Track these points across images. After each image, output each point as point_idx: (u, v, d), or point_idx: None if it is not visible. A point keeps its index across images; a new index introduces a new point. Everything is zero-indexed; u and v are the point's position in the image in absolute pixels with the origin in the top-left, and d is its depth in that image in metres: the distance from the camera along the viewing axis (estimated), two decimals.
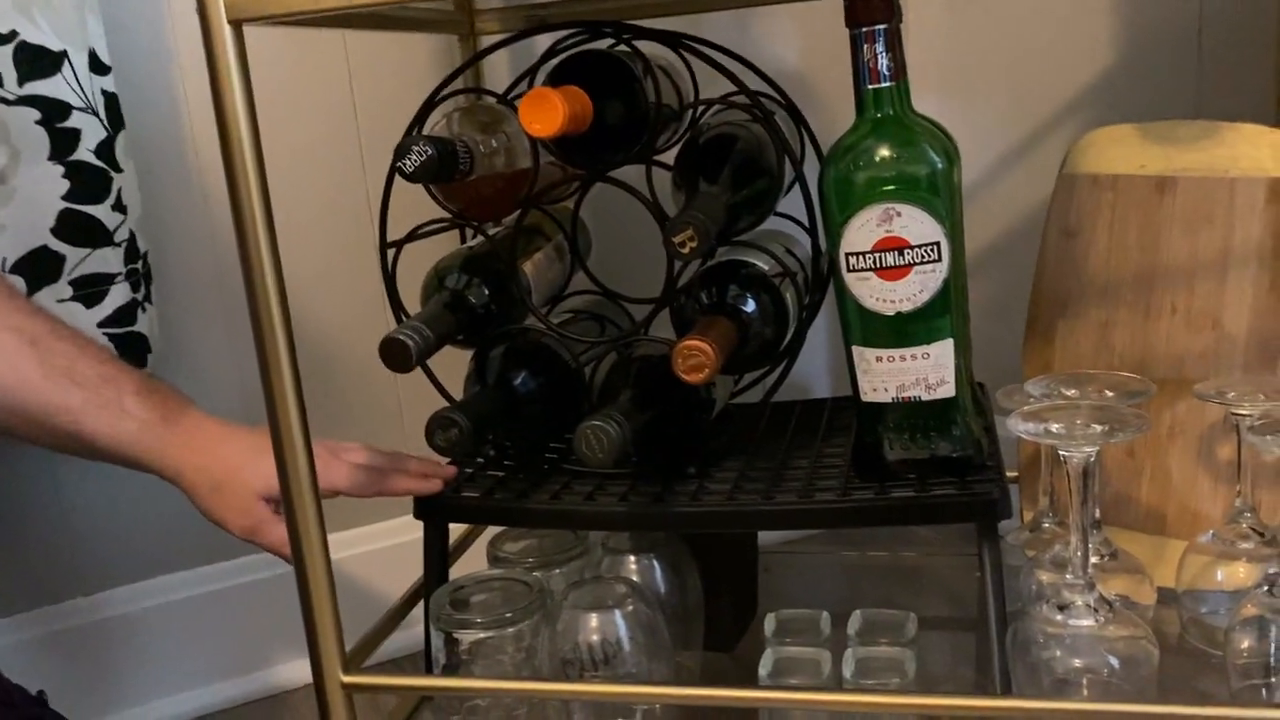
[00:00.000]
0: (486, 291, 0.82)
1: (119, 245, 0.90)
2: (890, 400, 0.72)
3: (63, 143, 0.86)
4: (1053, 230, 0.90)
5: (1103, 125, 0.91)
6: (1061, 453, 0.64)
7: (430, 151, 0.69)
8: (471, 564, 0.90)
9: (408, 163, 0.68)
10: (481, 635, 0.74)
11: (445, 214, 0.81)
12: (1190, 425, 0.86)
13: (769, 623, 0.75)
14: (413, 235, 0.82)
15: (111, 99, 0.90)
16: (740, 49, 0.87)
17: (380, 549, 1.02)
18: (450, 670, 0.75)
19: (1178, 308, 0.86)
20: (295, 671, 1.00)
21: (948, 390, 0.71)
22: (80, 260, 0.88)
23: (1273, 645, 0.71)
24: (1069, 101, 1.02)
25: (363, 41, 0.99)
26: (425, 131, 0.80)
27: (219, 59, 0.61)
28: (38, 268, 0.86)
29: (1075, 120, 1.02)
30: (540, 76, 0.79)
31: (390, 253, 0.82)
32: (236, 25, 0.61)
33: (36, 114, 0.85)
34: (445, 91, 0.80)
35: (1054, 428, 0.63)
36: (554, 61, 0.77)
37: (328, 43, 0.98)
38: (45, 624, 0.97)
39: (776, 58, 1.07)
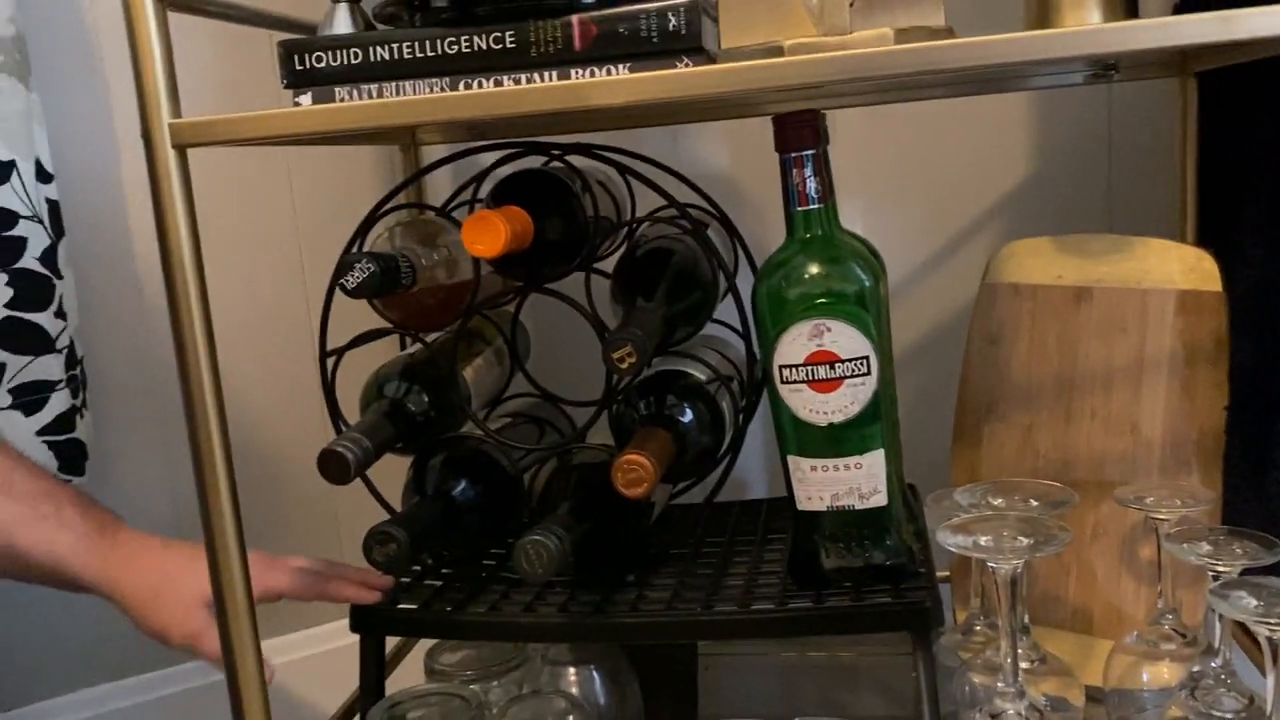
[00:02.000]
0: (426, 399, 0.83)
1: (60, 352, 0.90)
2: (825, 509, 0.74)
3: (8, 251, 0.86)
4: (976, 337, 0.93)
5: (1018, 234, 0.95)
6: (990, 565, 0.66)
7: (373, 268, 0.70)
8: (409, 670, 0.89)
9: (350, 279, 0.69)
10: None
11: (385, 322, 0.82)
12: (1112, 526, 0.89)
13: None
14: (353, 344, 0.82)
15: (54, 207, 0.90)
16: (672, 158, 0.90)
17: (315, 655, 1.01)
18: None
19: (1097, 412, 0.89)
20: None
21: (880, 499, 0.73)
22: (21, 368, 0.87)
23: None
24: (986, 211, 1.06)
25: (304, 151, 1.00)
26: (366, 243, 0.81)
27: (163, 183, 0.61)
28: None
29: (992, 228, 1.06)
30: (480, 188, 0.81)
31: (330, 362, 0.82)
32: (181, 150, 0.62)
33: None
34: (387, 207, 0.81)
35: (982, 541, 0.65)
36: (494, 179, 0.79)
37: (267, 152, 0.99)
38: None
39: (707, 166, 1.11)
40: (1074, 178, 1.02)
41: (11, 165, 0.86)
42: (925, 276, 1.10)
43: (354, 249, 0.80)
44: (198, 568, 0.73)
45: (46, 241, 0.88)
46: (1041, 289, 0.91)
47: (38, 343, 0.88)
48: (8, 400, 0.87)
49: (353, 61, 0.67)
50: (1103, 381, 0.89)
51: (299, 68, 0.67)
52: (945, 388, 0.96)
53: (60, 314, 0.90)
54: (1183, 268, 0.86)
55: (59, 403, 0.89)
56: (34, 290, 0.88)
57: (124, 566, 0.75)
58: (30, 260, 0.87)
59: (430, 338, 0.87)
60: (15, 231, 0.87)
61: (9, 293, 0.86)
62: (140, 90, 0.61)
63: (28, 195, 0.87)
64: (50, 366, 0.88)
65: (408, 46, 0.66)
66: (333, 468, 0.72)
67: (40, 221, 0.88)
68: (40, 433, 0.88)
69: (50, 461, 0.88)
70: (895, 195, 1.10)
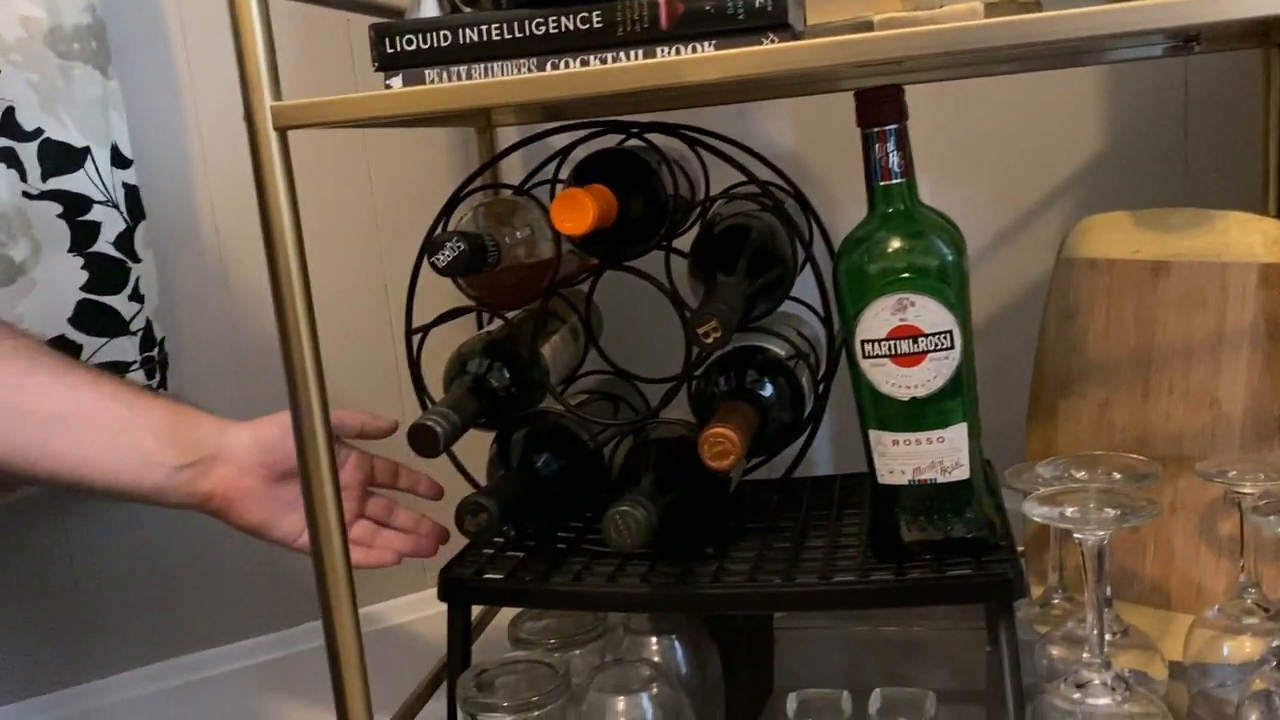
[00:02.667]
0: (507, 375, 0.84)
1: (135, 334, 0.92)
2: (906, 482, 0.75)
3: (83, 235, 0.89)
4: (1052, 312, 0.93)
5: (1093, 208, 0.95)
6: (1076, 536, 0.66)
7: (463, 246, 0.71)
8: (492, 639, 0.91)
9: (441, 258, 0.71)
10: (509, 719, 0.75)
11: (466, 299, 0.83)
12: (1191, 501, 0.89)
13: (790, 702, 0.77)
14: (438, 321, 0.84)
15: (132, 191, 0.92)
16: (740, 137, 0.90)
17: (402, 624, 1.03)
18: None
19: (1175, 387, 0.89)
20: None
21: (962, 473, 0.74)
22: (97, 349, 0.90)
23: None
24: (1059, 185, 1.06)
25: (381, 135, 1.02)
26: (451, 223, 0.83)
27: (265, 164, 0.63)
28: None
29: (1065, 203, 1.06)
30: (556, 169, 0.82)
31: (415, 338, 0.84)
32: (282, 132, 0.63)
33: (59, 208, 0.88)
34: (470, 188, 0.83)
35: (1069, 512, 0.66)
36: (572, 160, 0.80)
37: (347, 137, 1.01)
38: (58, 707, 0.96)
39: (774, 144, 1.11)
40: (1149, 151, 1.01)
41: (86, 151, 0.88)
42: (997, 251, 1.10)
43: (439, 229, 0.82)
44: None
45: (121, 226, 0.90)
46: (1119, 263, 0.91)
47: (113, 325, 0.91)
48: None
49: (442, 44, 0.68)
50: (1181, 356, 0.89)
51: (390, 50, 0.69)
52: (1018, 363, 0.96)
53: (136, 297, 0.92)
54: (1265, 240, 0.86)
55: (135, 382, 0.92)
56: (109, 274, 0.90)
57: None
58: (105, 244, 0.90)
59: (509, 315, 0.88)
60: (90, 216, 0.89)
61: (84, 276, 0.89)
62: (243, 74, 0.63)
63: (102, 181, 0.89)
64: (125, 348, 0.91)
65: (496, 28, 0.67)
66: (423, 441, 0.74)
67: (115, 206, 0.90)
68: None
69: None
70: (966, 171, 1.10)
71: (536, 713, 0.75)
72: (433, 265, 0.71)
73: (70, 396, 0.74)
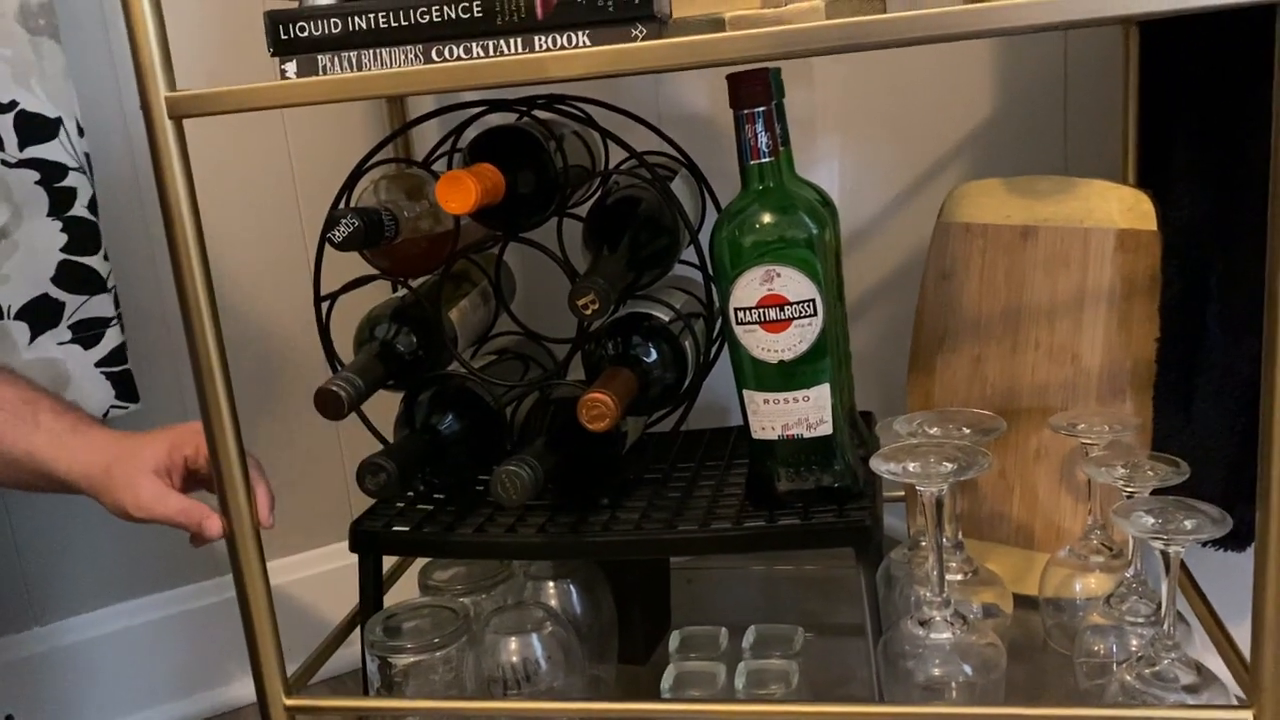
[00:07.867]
0: (414, 339, 0.89)
1: (110, 291, 0.97)
2: (776, 438, 0.81)
3: (60, 200, 0.94)
4: (931, 272, 0.99)
5: (981, 174, 1.01)
6: (917, 488, 0.73)
7: (357, 223, 0.76)
8: (405, 588, 0.98)
9: (336, 234, 0.76)
10: (413, 659, 0.81)
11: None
12: (1053, 449, 0.96)
13: (673, 640, 0.84)
14: (344, 289, 0.89)
15: (87, 158, 0.97)
16: (652, 103, 0.94)
17: (318, 574, 1.09)
18: (385, 691, 0.82)
19: (1041, 343, 0.96)
20: (244, 689, 1.06)
21: (826, 429, 0.80)
22: (79, 306, 0.95)
23: (1113, 649, 0.80)
24: (951, 151, 1.11)
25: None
26: (355, 195, 0.87)
27: (162, 152, 0.67)
28: (39, 314, 0.94)
29: (957, 167, 1.11)
30: (453, 145, 0.87)
31: (324, 306, 0.89)
32: (178, 121, 0.68)
33: (36, 175, 0.92)
34: (372, 161, 0.87)
35: (910, 467, 0.72)
36: (480, 125, 0.85)
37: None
38: (3, 652, 1.02)
39: (689, 109, 1.15)
40: (1033, 122, 1.07)
41: (59, 121, 0.93)
42: (897, 212, 1.16)
43: (341, 203, 0.86)
44: (150, 441, 0.79)
45: (91, 191, 0.95)
46: (992, 228, 0.97)
47: (91, 283, 0.96)
48: (68, 335, 0.95)
49: (333, 31, 0.72)
50: (1047, 314, 0.95)
51: (284, 37, 0.73)
52: (911, 321, 1.02)
53: (106, 257, 0.97)
54: (1122, 208, 0.92)
55: (113, 338, 0.97)
56: (85, 236, 0.95)
57: (86, 457, 0.79)
58: (80, 208, 0.95)
59: (418, 281, 0.93)
60: (67, 182, 0.94)
61: (64, 238, 0.94)
62: (137, 64, 0.67)
63: (73, 148, 0.94)
64: (104, 305, 0.96)
65: (383, 16, 0.71)
66: (328, 405, 0.80)
67: (85, 172, 0.94)
68: (98, 364, 0.96)
69: (108, 391, 0.97)
70: (871, 132, 1.14)
71: (439, 653, 0.82)
72: (329, 241, 0.76)
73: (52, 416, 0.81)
